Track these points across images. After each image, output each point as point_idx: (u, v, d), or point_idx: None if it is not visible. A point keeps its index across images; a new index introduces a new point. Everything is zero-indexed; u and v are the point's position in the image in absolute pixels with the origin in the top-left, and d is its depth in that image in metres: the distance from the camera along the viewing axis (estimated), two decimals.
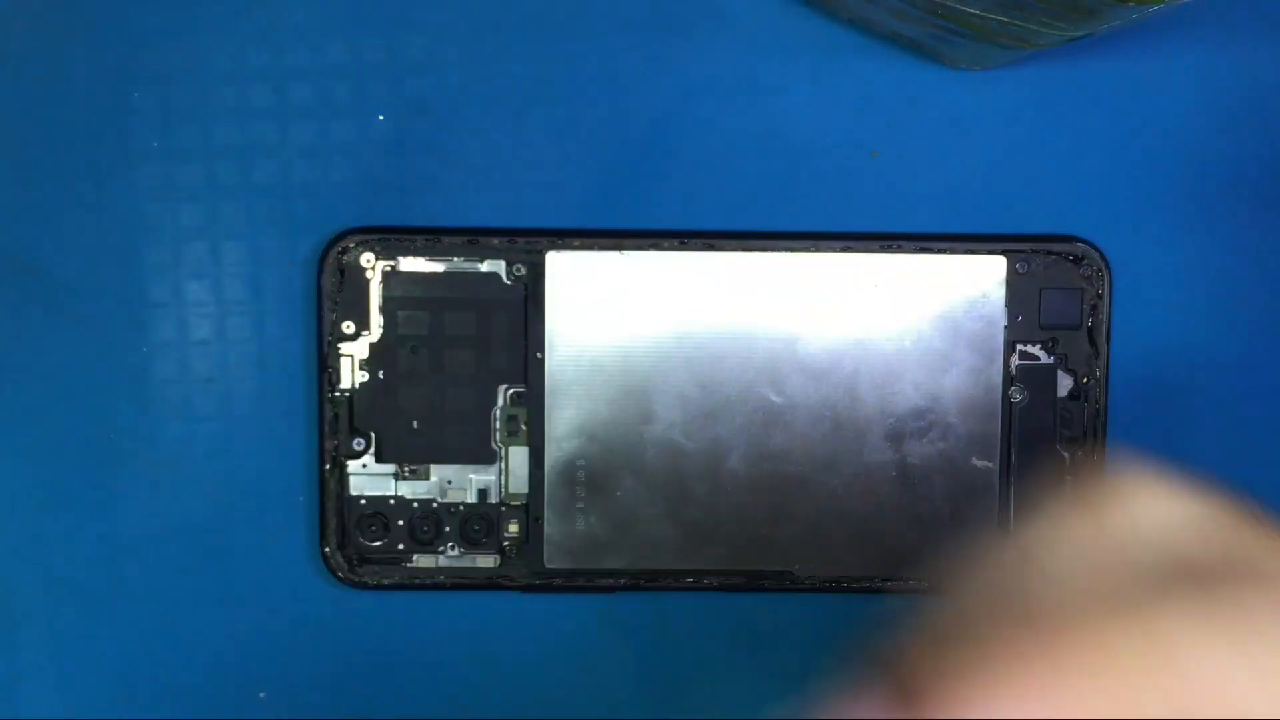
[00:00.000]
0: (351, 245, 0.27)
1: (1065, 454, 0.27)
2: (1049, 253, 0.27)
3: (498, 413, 0.27)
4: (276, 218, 0.28)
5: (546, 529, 0.27)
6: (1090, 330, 0.27)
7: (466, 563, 0.28)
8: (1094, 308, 0.27)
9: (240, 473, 0.29)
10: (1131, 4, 0.21)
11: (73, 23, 0.27)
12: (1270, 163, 0.28)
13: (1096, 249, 0.27)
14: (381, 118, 0.27)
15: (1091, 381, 0.27)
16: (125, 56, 0.27)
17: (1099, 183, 0.28)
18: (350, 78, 0.27)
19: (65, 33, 0.27)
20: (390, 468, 0.28)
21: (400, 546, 0.28)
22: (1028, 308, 0.27)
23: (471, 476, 0.28)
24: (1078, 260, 0.27)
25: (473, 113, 0.28)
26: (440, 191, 0.28)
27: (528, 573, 0.28)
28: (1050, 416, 0.28)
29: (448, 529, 0.28)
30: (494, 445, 0.28)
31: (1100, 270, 0.27)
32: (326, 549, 0.27)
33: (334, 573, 0.27)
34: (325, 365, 0.27)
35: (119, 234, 0.28)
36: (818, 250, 0.27)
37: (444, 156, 0.28)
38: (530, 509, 0.27)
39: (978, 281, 0.27)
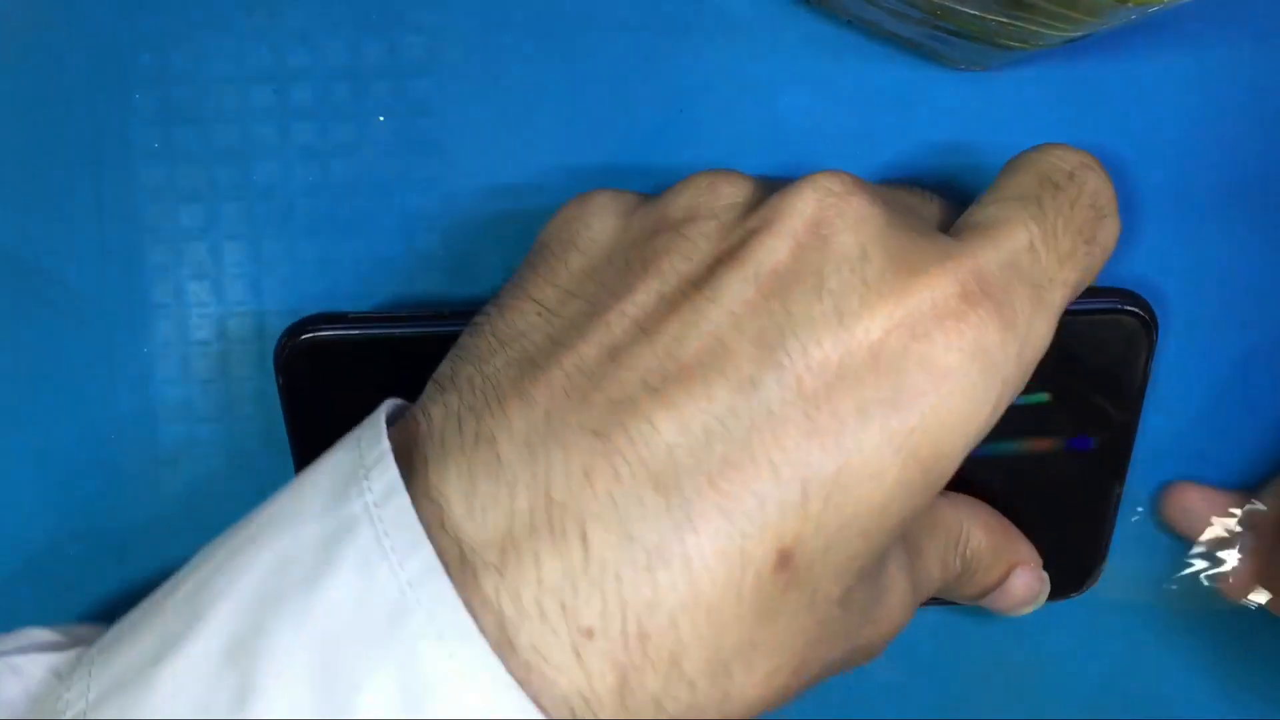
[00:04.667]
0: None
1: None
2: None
3: None
4: (277, 219, 0.28)
5: None
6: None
7: None
8: None
9: (241, 473, 0.29)
10: (1131, 4, 0.21)
11: (73, 23, 0.27)
12: (1271, 163, 0.28)
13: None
14: (382, 119, 0.28)
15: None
16: (126, 58, 0.27)
17: None
18: (351, 79, 0.27)
19: (65, 33, 0.27)
20: None
21: None
22: None
23: None
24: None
25: (473, 113, 0.28)
26: (440, 192, 0.28)
27: None
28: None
29: None
30: None
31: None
32: None
33: None
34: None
35: (120, 235, 0.28)
36: None
37: (444, 157, 0.28)
38: None
39: None
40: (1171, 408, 0.29)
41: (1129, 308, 0.26)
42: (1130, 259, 0.28)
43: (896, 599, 0.23)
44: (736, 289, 0.21)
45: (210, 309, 0.28)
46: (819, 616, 0.20)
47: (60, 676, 0.20)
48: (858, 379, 0.20)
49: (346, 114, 0.27)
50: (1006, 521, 0.27)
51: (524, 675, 0.18)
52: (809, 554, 0.20)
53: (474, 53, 0.27)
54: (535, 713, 0.18)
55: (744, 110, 0.28)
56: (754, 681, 0.20)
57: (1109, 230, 0.23)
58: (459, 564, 0.19)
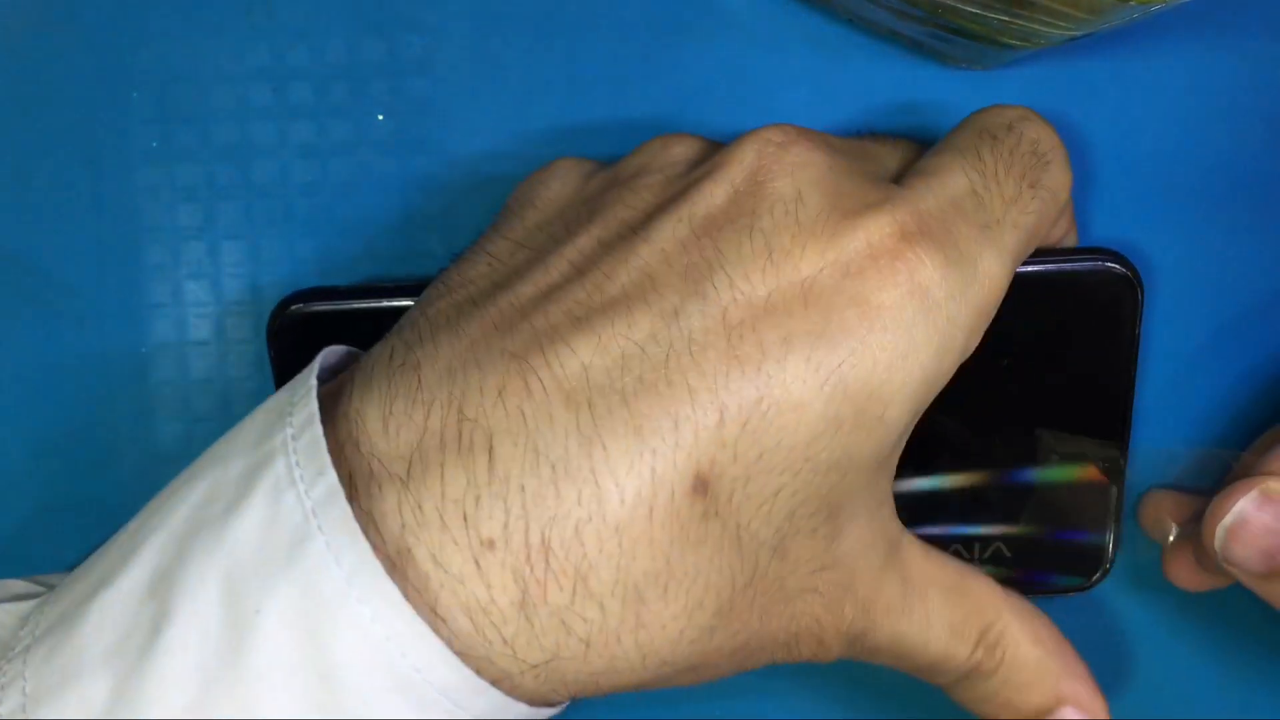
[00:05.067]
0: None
1: None
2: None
3: None
4: (275, 218, 0.28)
5: None
6: None
7: None
8: None
9: None
10: (1133, 3, 0.21)
11: (72, 22, 0.27)
12: (1272, 163, 0.28)
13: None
14: (381, 117, 0.27)
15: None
16: (124, 56, 0.27)
17: (1098, 182, 0.28)
18: (349, 78, 0.27)
19: (64, 32, 0.27)
20: None
21: None
22: None
23: None
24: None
25: (472, 112, 0.28)
26: (439, 191, 0.28)
27: None
28: None
29: None
30: None
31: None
32: None
33: None
34: None
35: (118, 234, 0.28)
36: None
37: (443, 156, 0.28)
38: None
39: None
40: (1171, 395, 0.29)
41: (1110, 264, 0.26)
42: (1133, 256, 0.28)
43: (847, 581, 0.22)
44: (670, 230, 0.21)
45: (209, 308, 0.28)
46: (748, 557, 0.20)
47: (23, 620, 0.21)
48: (786, 312, 0.20)
49: (345, 113, 0.27)
50: (1068, 647, 0.24)
51: (422, 584, 0.18)
52: (727, 482, 0.19)
53: (473, 52, 0.27)
54: (424, 628, 0.18)
55: (744, 110, 0.28)
56: (673, 612, 0.20)
57: (1055, 175, 0.23)
58: (367, 479, 0.19)
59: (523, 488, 0.19)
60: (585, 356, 0.19)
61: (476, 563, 0.19)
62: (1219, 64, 0.27)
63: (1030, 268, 0.25)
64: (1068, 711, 0.23)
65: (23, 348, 0.28)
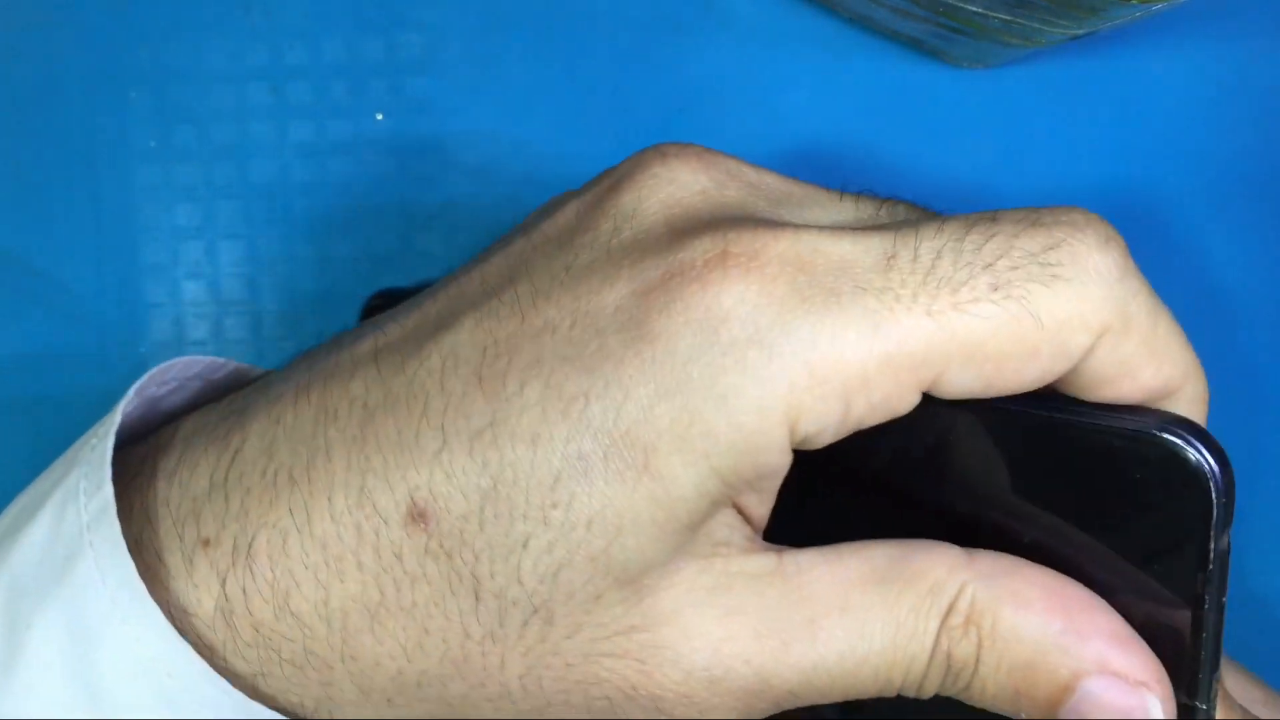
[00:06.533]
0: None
1: None
2: None
3: None
4: (274, 218, 0.28)
5: None
6: None
7: None
8: None
9: None
10: (1134, 2, 0.21)
11: (70, 22, 0.27)
12: (1272, 162, 0.28)
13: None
14: (380, 116, 0.27)
15: None
16: (123, 56, 0.27)
17: (1100, 182, 0.28)
18: (348, 77, 0.27)
19: (63, 32, 0.27)
20: None
21: None
22: None
23: None
24: None
25: (471, 112, 0.27)
26: (438, 191, 0.28)
27: None
28: None
29: None
30: None
31: None
32: None
33: None
34: None
35: (116, 233, 0.28)
36: None
37: (442, 155, 0.28)
38: None
39: None
40: None
41: (1173, 438, 0.17)
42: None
43: (676, 640, 0.17)
44: (511, 248, 0.19)
45: (207, 308, 0.28)
46: (489, 611, 0.17)
47: None
48: (550, 333, 0.17)
49: (344, 112, 0.27)
50: (1076, 594, 0.17)
51: (149, 576, 0.18)
52: (454, 519, 0.17)
53: (473, 51, 0.27)
54: (186, 646, 0.17)
55: (745, 109, 0.27)
56: (387, 650, 0.18)
57: (1054, 299, 0.16)
58: (150, 476, 0.19)
59: (248, 490, 0.18)
60: (354, 369, 0.19)
61: (190, 560, 0.18)
62: (1220, 63, 0.27)
63: (1065, 416, 0.18)
64: (1089, 685, 0.16)
65: (20, 348, 0.28)
